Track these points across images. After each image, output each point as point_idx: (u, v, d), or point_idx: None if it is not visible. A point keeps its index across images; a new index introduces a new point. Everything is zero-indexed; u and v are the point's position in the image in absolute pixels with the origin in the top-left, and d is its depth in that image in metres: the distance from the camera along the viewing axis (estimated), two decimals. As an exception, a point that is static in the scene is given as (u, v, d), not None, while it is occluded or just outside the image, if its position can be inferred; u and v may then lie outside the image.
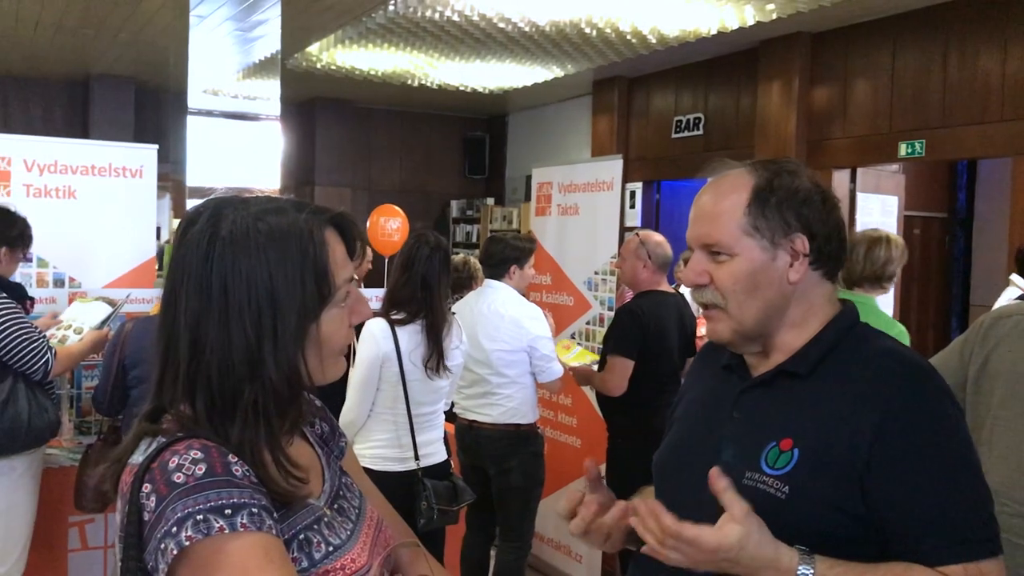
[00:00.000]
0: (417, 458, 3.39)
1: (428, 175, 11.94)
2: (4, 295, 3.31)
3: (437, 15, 6.98)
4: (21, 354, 3.24)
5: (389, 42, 7.87)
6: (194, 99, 6.31)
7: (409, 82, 9.44)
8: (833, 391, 1.37)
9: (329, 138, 11.05)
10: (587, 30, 7.35)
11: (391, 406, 3.39)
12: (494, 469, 4.06)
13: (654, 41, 7.58)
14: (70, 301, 4.21)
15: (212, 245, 1.12)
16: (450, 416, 4.04)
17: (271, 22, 7.29)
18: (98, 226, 4.51)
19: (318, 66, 8.89)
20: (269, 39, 7.58)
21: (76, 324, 3.74)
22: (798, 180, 1.43)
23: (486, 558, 4.27)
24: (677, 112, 8.78)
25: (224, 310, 1.11)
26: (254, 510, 1.05)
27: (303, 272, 1.14)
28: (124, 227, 4.58)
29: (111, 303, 3.94)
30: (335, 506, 1.26)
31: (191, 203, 9.65)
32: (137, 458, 1.11)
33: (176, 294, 1.13)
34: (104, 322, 3.74)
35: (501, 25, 7.26)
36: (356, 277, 1.25)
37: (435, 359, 3.34)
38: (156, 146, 4.65)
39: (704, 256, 1.44)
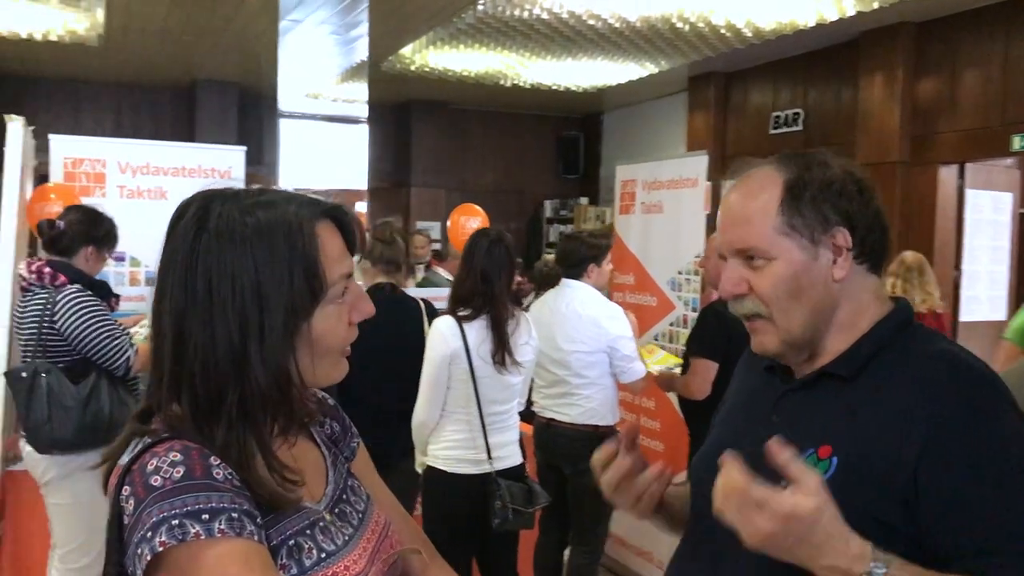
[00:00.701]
0: (490, 459, 3.35)
1: (522, 175, 11.93)
2: (89, 292, 3.41)
3: (526, 14, 6.95)
4: (104, 350, 3.34)
5: (480, 42, 7.89)
6: (286, 102, 6.42)
7: (502, 82, 9.45)
8: (878, 396, 1.26)
9: (424, 140, 11.15)
10: (679, 25, 7.20)
11: (463, 405, 3.35)
12: (570, 469, 3.99)
13: (749, 35, 7.38)
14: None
15: (198, 239, 1.07)
16: (528, 417, 3.99)
17: (361, 26, 7.38)
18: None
19: (412, 68, 8.98)
20: (359, 43, 7.68)
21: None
22: (830, 170, 1.32)
23: (559, 561, 4.20)
24: (775, 108, 8.53)
25: (208, 307, 1.07)
26: (234, 515, 1.00)
27: (291, 267, 1.08)
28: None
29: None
30: (336, 510, 1.21)
31: None
32: (125, 459, 1.08)
33: (163, 290, 1.10)
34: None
35: (591, 22, 7.18)
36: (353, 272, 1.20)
37: (502, 353, 3.30)
38: (244, 148, 4.75)
39: (739, 263, 1.34)
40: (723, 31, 7.31)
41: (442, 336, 3.31)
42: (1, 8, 6.93)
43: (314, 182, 7.49)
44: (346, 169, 7.22)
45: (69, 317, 3.30)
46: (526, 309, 4.17)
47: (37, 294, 3.37)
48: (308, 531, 1.13)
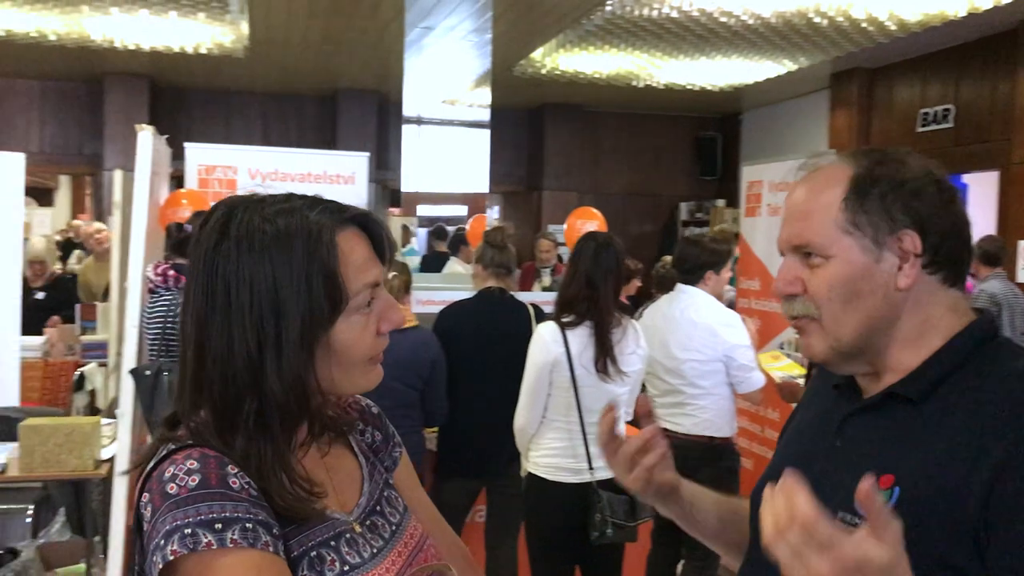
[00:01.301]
0: (591, 468, 3.28)
1: (657, 177, 11.74)
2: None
3: (655, 13, 6.83)
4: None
5: (609, 43, 7.80)
6: (418, 108, 6.53)
7: (634, 83, 9.33)
8: (949, 421, 1.13)
9: (557, 142, 11.15)
10: (817, 20, 6.90)
11: (564, 413, 3.29)
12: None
13: (894, 28, 7.00)
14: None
15: (219, 245, 1.07)
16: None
17: (491, 31, 7.43)
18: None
19: (543, 72, 8.99)
20: (489, 48, 7.73)
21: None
22: (905, 168, 1.21)
23: (672, 575, 4.08)
24: (923, 104, 8.06)
25: (227, 314, 1.06)
26: (248, 525, 0.99)
27: (309, 276, 1.06)
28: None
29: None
30: (368, 522, 1.19)
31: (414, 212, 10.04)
32: (150, 465, 1.09)
33: (187, 295, 1.11)
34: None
35: (723, 19, 6.98)
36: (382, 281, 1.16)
37: (604, 360, 3.22)
38: (367, 154, 4.85)
39: (796, 261, 1.24)
40: (865, 25, 6.97)
41: (543, 342, 3.26)
42: (155, 24, 7.35)
43: (441, 186, 7.62)
44: (473, 173, 7.29)
45: None
46: (639, 316, 4.08)
47: (163, 296, 3.54)
48: (332, 542, 1.11)
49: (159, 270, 3.54)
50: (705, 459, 3.82)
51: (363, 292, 1.11)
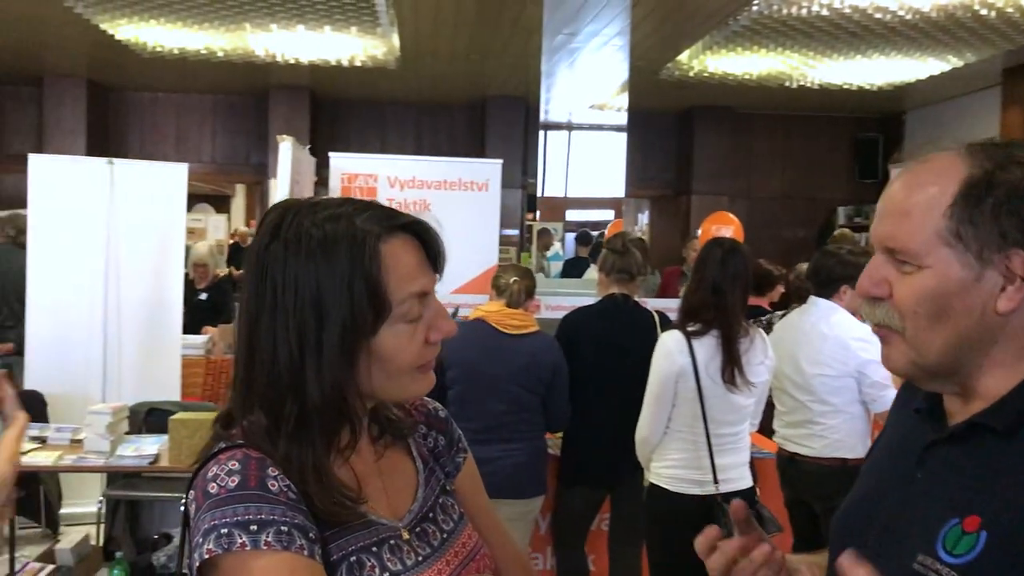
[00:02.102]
0: (716, 482, 3.20)
1: (813, 180, 11.32)
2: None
3: (804, 12, 6.60)
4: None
5: (758, 44, 7.60)
6: (563, 114, 6.58)
7: (787, 84, 9.04)
8: None
9: (706, 145, 10.94)
10: (983, 12, 6.49)
11: (689, 424, 3.23)
12: (820, 506, 3.70)
13: (1071, 17, 6.50)
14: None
15: (269, 246, 1.09)
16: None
17: (634, 35, 7.38)
18: (448, 236, 4.86)
19: (690, 74, 8.85)
20: (628, 52, 7.68)
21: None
22: None
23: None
24: (1108, 99, 7.44)
25: (273, 315, 1.08)
26: (283, 528, 1.01)
27: (352, 282, 1.07)
28: (470, 237, 4.89)
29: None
30: (417, 528, 1.19)
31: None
32: (199, 464, 1.13)
33: (242, 295, 1.14)
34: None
35: (878, 16, 6.67)
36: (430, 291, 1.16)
37: (731, 370, 3.13)
38: (500, 161, 4.92)
39: (886, 261, 1.11)
40: (1038, 15, 6.50)
41: (668, 352, 3.21)
42: (312, 39, 7.70)
43: (584, 191, 7.65)
44: (618, 178, 7.27)
45: None
46: (766, 325, 3.95)
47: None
48: (375, 548, 1.11)
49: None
50: (840, 483, 3.64)
51: (408, 301, 1.10)
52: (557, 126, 7.30)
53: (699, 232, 5.49)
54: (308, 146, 4.67)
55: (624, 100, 8.66)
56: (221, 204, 16.28)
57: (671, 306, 5.07)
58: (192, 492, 1.06)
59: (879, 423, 4.15)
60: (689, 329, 3.19)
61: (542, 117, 7.81)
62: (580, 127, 9.74)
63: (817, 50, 7.74)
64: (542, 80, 8.01)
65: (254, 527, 1.00)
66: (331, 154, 4.95)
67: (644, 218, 14.33)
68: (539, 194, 7.05)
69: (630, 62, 8.26)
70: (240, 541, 0.99)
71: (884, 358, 1.16)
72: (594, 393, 3.78)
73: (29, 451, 3.77)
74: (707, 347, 3.16)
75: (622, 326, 3.82)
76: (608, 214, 9.63)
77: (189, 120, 10.92)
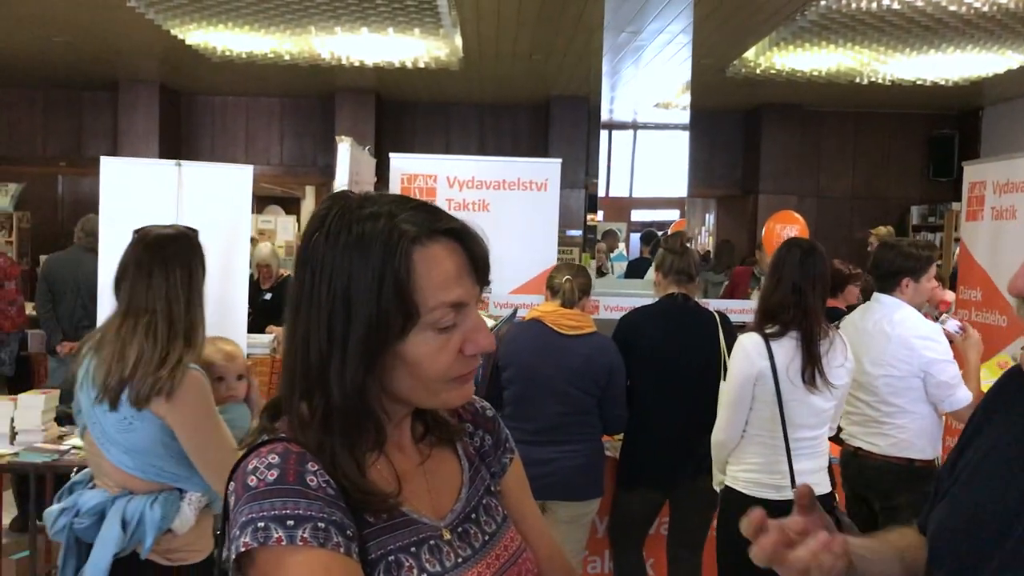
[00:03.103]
0: (794, 486, 3.12)
1: (884, 179, 11.04)
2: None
3: (875, 5, 6.42)
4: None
5: (826, 39, 7.43)
6: (618, 112, 6.52)
7: (857, 80, 8.82)
8: None
9: (775, 144, 10.74)
10: (1066, 2, 6.25)
11: (767, 428, 3.15)
12: (880, 504, 3.61)
13: None
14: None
15: (313, 235, 1.09)
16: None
17: (699, 32, 7.29)
18: (507, 236, 4.87)
19: (757, 71, 8.70)
20: (692, 50, 7.58)
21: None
22: None
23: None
24: None
25: (309, 305, 1.07)
26: (320, 524, 1.00)
27: (381, 283, 1.04)
28: (529, 237, 4.87)
29: (493, 319, 4.21)
30: (459, 529, 1.17)
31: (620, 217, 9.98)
32: (241, 456, 1.12)
33: (292, 283, 1.13)
34: (490, 330, 3.99)
35: (952, 8, 6.46)
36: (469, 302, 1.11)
37: (812, 371, 3.06)
38: (559, 160, 4.88)
39: None
40: (1124, 5, 6.23)
41: (747, 354, 3.13)
42: (376, 41, 7.77)
43: (649, 191, 7.57)
44: (684, 177, 7.19)
45: None
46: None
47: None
48: (413, 548, 1.10)
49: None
50: (904, 483, 3.55)
51: (440, 309, 1.07)
52: (621, 125, 7.23)
53: (762, 232, 5.37)
54: (368, 147, 4.69)
55: (689, 98, 8.56)
56: (291, 206, 16.54)
57: (740, 307, 4.99)
58: (232, 484, 1.06)
59: (951, 424, 4.03)
60: (767, 331, 3.13)
61: (605, 116, 7.75)
62: (645, 126, 9.65)
63: (888, 45, 7.53)
64: (605, 79, 7.96)
65: (291, 522, 1.00)
66: (391, 155, 4.99)
67: (712, 218, 14.16)
68: (603, 194, 6.96)
69: (695, 60, 8.15)
70: (276, 536, 0.99)
71: None
72: (653, 394, 3.73)
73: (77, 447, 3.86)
74: (786, 349, 3.09)
75: (682, 327, 3.76)
76: (673, 214, 9.53)
77: (258, 123, 11.12)
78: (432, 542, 1.12)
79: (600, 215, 9.16)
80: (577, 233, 10.18)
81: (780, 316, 3.12)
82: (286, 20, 7.15)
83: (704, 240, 15.12)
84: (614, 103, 9.56)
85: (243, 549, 1.00)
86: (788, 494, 3.09)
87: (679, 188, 7.24)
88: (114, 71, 9.88)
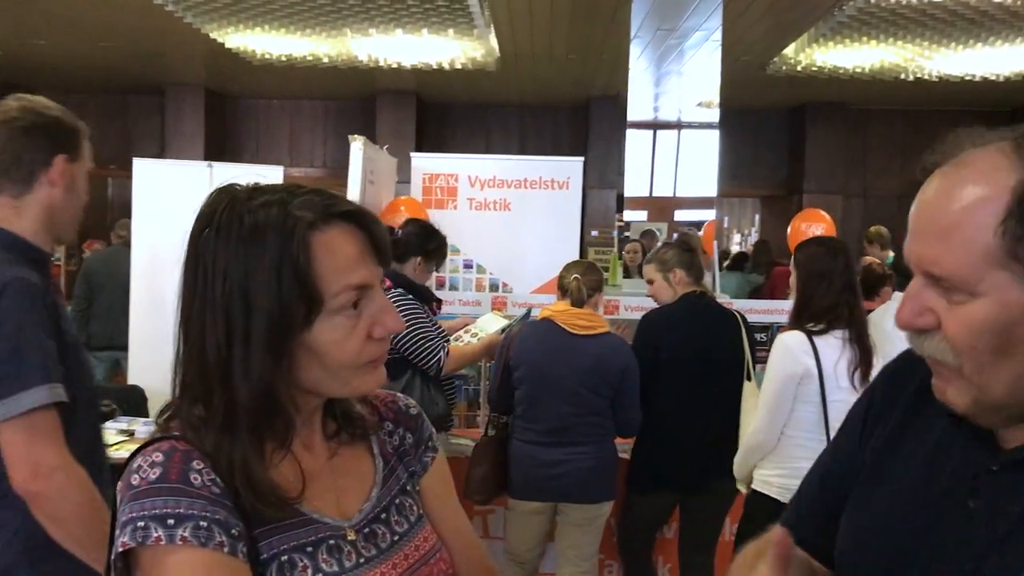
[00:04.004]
0: None
1: (935, 178, 10.75)
2: (410, 296, 3.69)
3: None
4: (419, 350, 3.60)
5: (867, 35, 7.26)
6: (636, 111, 6.46)
7: (902, 77, 8.61)
8: None
9: (819, 143, 10.54)
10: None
11: (807, 429, 3.07)
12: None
13: None
14: (493, 307, 4.57)
15: (201, 232, 1.06)
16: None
17: (730, 30, 7.18)
18: (528, 235, 4.84)
19: (798, 69, 8.53)
20: (730, 47, 7.47)
21: (479, 331, 4.03)
22: None
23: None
24: None
25: (203, 304, 1.04)
26: (202, 523, 0.98)
27: (280, 272, 1.02)
28: (550, 236, 4.84)
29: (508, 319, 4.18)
30: (366, 529, 1.14)
31: (630, 214, 9.91)
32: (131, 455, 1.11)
33: (180, 283, 1.10)
34: (503, 329, 3.96)
35: (998, 0, 6.27)
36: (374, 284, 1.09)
37: (862, 370, 3.00)
38: (582, 158, 4.84)
39: (928, 286, 0.94)
40: None
41: (791, 353, 3.06)
42: (412, 42, 7.80)
43: (687, 191, 7.53)
44: (723, 176, 7.12)
45: None
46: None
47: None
48: (309, 548, 1.07)
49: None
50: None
51: (344, 293, 1.05)
52: (663, 125, 7.16)
53: (788, 230, 5.25)
54: (386, 146, 4.70)
55: (728, 97, 8.45)
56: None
57: (764, 307, 4.89)
58: (119, 483, 1.04)
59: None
60: (811, 328, 3.07)
61: (646, 116, 7.69)
62: (682, 125, 9.56)
63: (933, 39, 7.33)
64: (641, 78, 7.89)
65: (171, 521, 0.98)
66: (412, 154, 4.99)
67: (758, 218, 13.97)
68: (629, 194, 6.89)
69: (734, 57, 8.04)
70: (156, 535, 0.97)
71: (939, 392, 0.99)
72: (675, 395, 3.65)
73: (116, 444, 3.91)
74: (832, 347, 3.04)
75: (706, 326, 3.69)
76: (712, 214, 9.43)
77: (301, 126, 11.24)
78: (332, 542, 1.10)
79: (635, 215, 9.09)
80: (599, 233, 10.09)
81: (827, 317, 3.06)
82: (320, 22, 7.21)
83: (753, 240, 14.92)
84: (658, 101, 9.49)
85: (121, 549, 0.98)
86: None
87: (712, 187, 7.14)
88: (160, 76, 10.07)
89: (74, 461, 1.70)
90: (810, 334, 3.04)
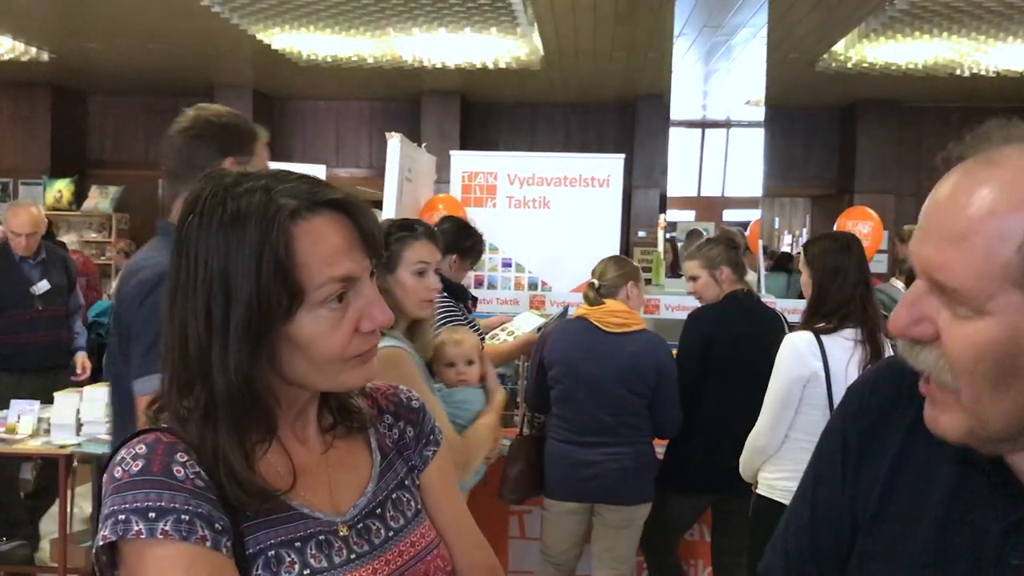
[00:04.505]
0: None
1: (991, 177, 10.47)
2: (445, 294, 3.66)
3: (969, -9, 6.10)
4: (451, 349, 3.57)
5: (920, 29, 7.09)
6: (683, 110, 6.37)
7: (957, 72, 8.40)
8: None
9: (871, 142, 10.32)
10: None
11: (812, 433, 2.99)
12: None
13: None
14: (531, 306, 4.52)
15: (185, 220, 1.03)
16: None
17: (777, 27, 7.05)
18: (568, 234, 4.78)
19: (849, 65, 8.37)
20: (777, 44, 7.34)
21: (516, 329, 3.99)
22: None
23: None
24: None
25: (184, 293, 1.02)
26: (184, 517, 0.95)
27: (260, 262, 0.98)
28: (590, 234, 4.78)
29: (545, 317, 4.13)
30: (360, 525, 1.11)
31: (678, 214, 9.79)
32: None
33: (167, 275, 1.07)
34: (539, 328, 3.92)
35: (1056, -9, 6.08)
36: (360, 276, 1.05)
37: None
38: (623, 156, 4.77)
39: (930, 293, 0.84)
40: None
41: (797, 354, 2.98)
42: (456, 42, 7.79)
43: (735, 191, 7.42)
44: (770, 176, 7.00)
45: None
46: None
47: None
48: (298, 543, 1.04)
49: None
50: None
51: (328, 285, 1.01)
52: (714, 124, 7.06)
53: (834, 229, 5.14)
54: (424, 144, 4.69)
55: (777, 95, 8.32)
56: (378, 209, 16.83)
57: (794, 306, 4.78)
58: (105, 476, 1.02)
59: None
60: (820, 327, 2.98)
61: (685, 115, 7.59)
62: (737, 124, 9.41)
63: (988, 33, 7.13)
64: (688, 76, 7.79)
65: (152, 514, 0.95)
66: (451, 152, 4.97)
67: (809, 217, 13.76)
68: (697, 194, 6.82)
69: (782, 54, 7.91)
70: (136, 528, 0.95)
71: (930, 421, 0.88)
72: (723, 395, 3.57)
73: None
74: (842, 348, 2.95)
75: (756, 326, 3.60)
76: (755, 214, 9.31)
77: (347, 127, 11.31)
78: (322, 537, 1.06)
79: (682, 214, 8.98)
80: (646, 234, 10.00)
81: (840, 313, 2.97)
82: (364, 22, 7.24)
83: (804, 240, 14.70)
84: (706, 99, 9.35)
85: (101, 542, 0.96)
86: None
87: (758, 187, 7.02)
88: (209, 77, 10.20)
89: None
90: (819, 334, 2.95)
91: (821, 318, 3.01)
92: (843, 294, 2.99)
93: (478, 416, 2.57)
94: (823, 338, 2.95)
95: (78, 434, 4.09)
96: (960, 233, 0.80)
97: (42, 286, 4.79)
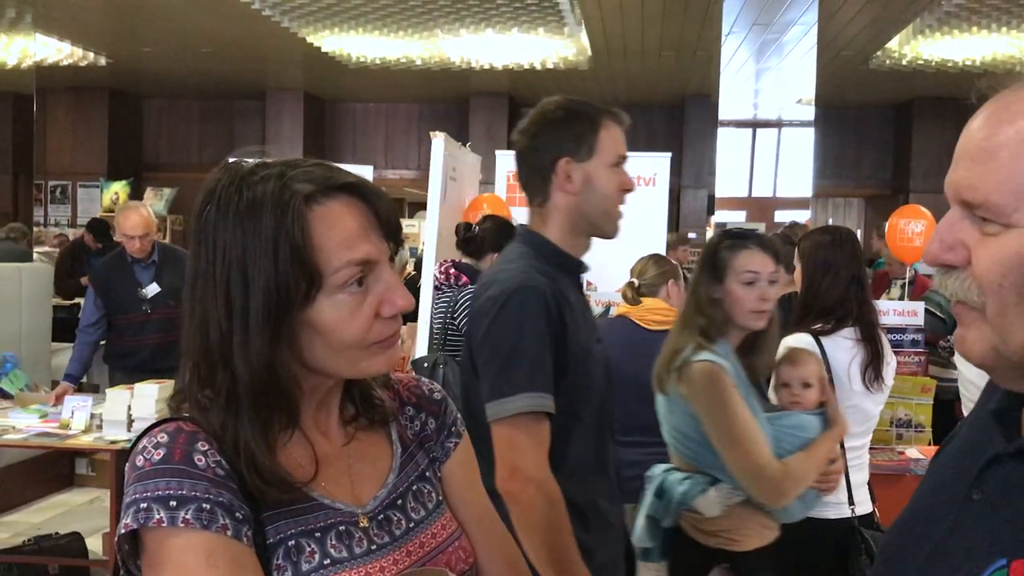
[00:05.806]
0: (852, 503, 2.88)
1: (1053, 176, 10.20)
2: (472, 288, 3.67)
3: (1028, -16, 5.95)
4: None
5: (977, 25, 6.93)
6: (733, 109, 6.30)
7: (1017, 69, 8.18)
8: None
9: (927, 140, 10.10)
10: None
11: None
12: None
13: None
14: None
15: (203, 210, 1.03)
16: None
17: (828, 24, 6.94)
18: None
19: (904, 63, 8.21)
20: (829, 41, 7.23)
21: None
22: None
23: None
24: None
25: (204, 283, 1.02)
26: (204, 506, 0.96)
27: (277, 248, 0.98)
28: (636, 234, 4.73)
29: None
30: (380, 516, 1.10)
31: (728, 215, 9.67)
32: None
33: (187, 266, 1.07)
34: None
35: (1120, -16, 5.90)
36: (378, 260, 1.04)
37: (874, 369, 2.81)
38: (669, 154, 4.73)
39: (962, 218, 0.86)
40: None
41: None
42: (503, 42, 7.81)
43: (787, 191, 7.33)
44: (823, 175, 6.89)
45: (465, 315, 3.59)
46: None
47: (445, 293, 3.72)
48: (318, 533, 1.04)
49: (443, 268, 3.73)
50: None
51: (346, 269, 1.01)
52: (765, 123, 6.98)
53: (885, 227, 5.00)
54: (467, 143, 4.69)
55: (829, 93, 8.19)
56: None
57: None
58: (127, 464, 1.02)
59: None
60: (817, 328, 2.90)
61: (735, 114, 7.51)
62: (788, 124, 9.29)
63: (1049, 28, 6.96)
64: (738, 76, 7.71)
65: (173, 503, 0.96)
66: (497, 152, 4.97)
67: (864, 218, 13.53)
68: (748, 194, 6.74)
69: (834, 52, 7.79)
70: (157, 517, 0.95)
71: (959, 341, 0.90)
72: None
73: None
74: (843, 348, 2.86)
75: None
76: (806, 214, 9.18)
77: (396, 128, 11.40)
78: (342, 528, 1.06)
79: (732, 215, 8.89)
80: (697, 236, 9.90)
81: (837, 311, 2.88)
82: (412, 23, 7.29)
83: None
84: (757, 98, 9.25)
85: (123, 531, 0.97)
86: (846, 512, 2.83)
87: (817, 186, 6.91)
88: (261, 80, 10.36)
89: (551, 476, 1.73)
90: (818, 336, 2.86)
91: (816, 317, 2.92)
92: (835, 291, 2.87)
93: (808, 445, 2.41)
94: (822, 339, 2.87)
95: (129, 430, 4.16)
96: (988, 151, 0.83)
97: (151, 289, 4.71)
